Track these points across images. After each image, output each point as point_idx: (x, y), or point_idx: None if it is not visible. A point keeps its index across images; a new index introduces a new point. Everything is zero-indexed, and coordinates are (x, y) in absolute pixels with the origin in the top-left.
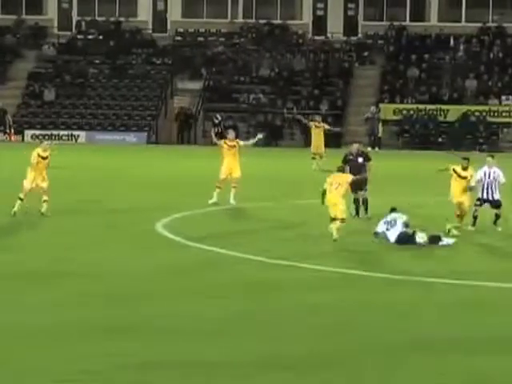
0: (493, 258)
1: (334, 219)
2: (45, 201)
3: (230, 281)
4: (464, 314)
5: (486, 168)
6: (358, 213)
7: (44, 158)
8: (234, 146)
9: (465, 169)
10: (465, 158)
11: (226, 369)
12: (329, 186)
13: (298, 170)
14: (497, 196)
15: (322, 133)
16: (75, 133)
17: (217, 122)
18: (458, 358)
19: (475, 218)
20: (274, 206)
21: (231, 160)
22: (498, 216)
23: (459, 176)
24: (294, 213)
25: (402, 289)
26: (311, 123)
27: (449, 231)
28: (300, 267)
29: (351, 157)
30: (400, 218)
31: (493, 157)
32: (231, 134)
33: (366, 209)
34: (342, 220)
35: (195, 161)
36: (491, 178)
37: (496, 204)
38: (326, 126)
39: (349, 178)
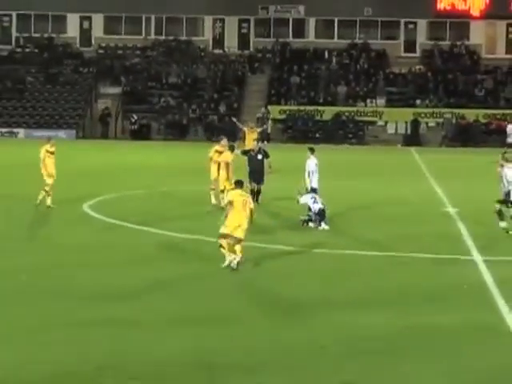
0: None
1: (213, 189)
2: (48, 194)
3: (140, 251)
4: (334, 278)
5: None
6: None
7: (52, 153)
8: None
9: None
10: (237, 182)
11: (139, 326)
12: (214, 158)
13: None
14: (311, 184)
15: (256, 137)
16: (15, 130)
17: (133, 120)
18: (327, 315)
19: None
20: (185, 189)
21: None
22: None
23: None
24: (203, 196)
25: (287, 258)
26: (245, 128)
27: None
28: (199, 239)
29: (252, 153)
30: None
31: (312, 150)
32: (224, 140)
33: (258, 198)
34: (223, 190)
35: (116, 153)
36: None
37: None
38: (259, 130)
39: (229, 157)
